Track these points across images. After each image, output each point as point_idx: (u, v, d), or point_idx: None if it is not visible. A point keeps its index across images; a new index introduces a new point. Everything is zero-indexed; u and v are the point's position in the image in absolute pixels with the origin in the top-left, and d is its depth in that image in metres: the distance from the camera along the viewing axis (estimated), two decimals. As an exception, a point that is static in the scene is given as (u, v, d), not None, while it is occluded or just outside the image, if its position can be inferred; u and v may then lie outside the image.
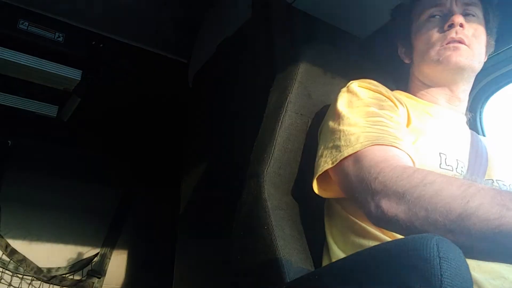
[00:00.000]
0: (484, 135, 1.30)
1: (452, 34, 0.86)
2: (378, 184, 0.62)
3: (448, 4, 0.91)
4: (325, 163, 0.74)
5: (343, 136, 0.73)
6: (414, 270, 0.43)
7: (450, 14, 0.89)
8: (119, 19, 1.88)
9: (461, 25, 0.87)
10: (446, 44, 0.86)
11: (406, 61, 0.99)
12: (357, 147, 0.69)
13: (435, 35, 0.89)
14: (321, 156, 0.76)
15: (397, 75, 1.03)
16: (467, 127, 0.95)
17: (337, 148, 0.73)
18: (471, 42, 0.87)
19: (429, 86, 0.93)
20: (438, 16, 0.91)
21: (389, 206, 0.60)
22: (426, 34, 0.90)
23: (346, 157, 0.70)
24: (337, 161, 0.71)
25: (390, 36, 1.05)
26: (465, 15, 0.90)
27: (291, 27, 1.37)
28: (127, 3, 1.84)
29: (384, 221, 0.62)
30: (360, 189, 0.66)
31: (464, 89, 0.93)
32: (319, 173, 0.75)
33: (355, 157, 0.69)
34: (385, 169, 0.63)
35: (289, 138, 0.89)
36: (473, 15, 0.91)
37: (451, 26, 0.87)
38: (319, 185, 0.77)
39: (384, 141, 0.69)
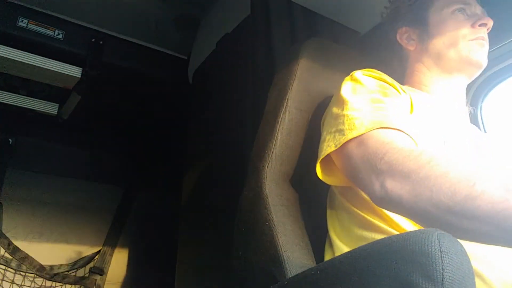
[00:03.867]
0: (484, 130, 1.30)
1: (482, 32, 0.89)
2: (384, 164, 0.62)
3: (473, 7, 0.93)
4: (327, 147, 0.73)
5: (346, 121, 0.73)
6: (416, 264, 0.43)
7: (474, 14, 0.92)
8: (119, 16, 1.88)
9: (488, 29, 0.91)
10: (476, 39, 0.89)
11: (410, 47, 0.97)
12: (361, 130, 0.69)
13: (466, 29, 0.90)
14: (324, 141, 0.76)
15: (397, 69, 1.02)
16: (468, 121, 0.95)
17: (341, 131, 0.73)
18: (488, 44, 0.91)
19: (435, 75, 0.93)
20: (463, 13, 0.92)
21: (393, 186, 0.60)
22: (454, 25, 0.91)
23: (349, 140, 0.70)
24: (340, 144, 0.71)
25: (392, 19, 1.02)
26: None
27: (291, 22, 1.37)
28: (126, 0, 1.84)
29: (387, 201, 0.62)
30: (364, 170, 0.65)
31: (467, 83, 0.94)
32: (322, 157, 0.74)
33: (360, 140, 0.69)
34: (392, 150, 0.63)
35: (289, 134, 0.89)
36: None
37: (483, 25, 0.89)
38: (322, 171, 0.77)
39: (389, 124, 0.69)
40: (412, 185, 0.57)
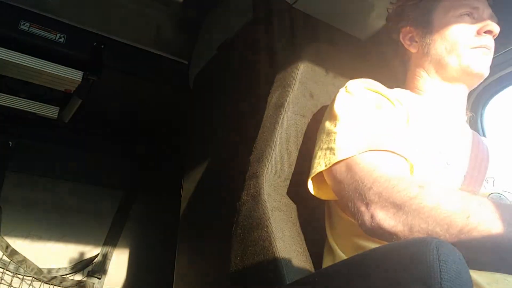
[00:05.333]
0: (485, 136, 1.29)
1: (487, 40, 0.86)
2: (373, 195, 0.61)
3: (481, 10, 0.89)
4: (318, 164, 0.73)
5: (337, 139, 0.72)
6: (414, 273, 0.43)
7: (481, 19, 0.88)
8: (121, 21, 1.89)
9: (494, 35, 0.87)
10: (480, 47, 0.86)
11: (412, 49, 0.94)
12: (350, 153, 0.68)
13: (470, 35, 0.86)
14: (316, 157, 0.76)
15: (398, 75, 1.02)
16: (468, 127, 0.94)
17: (331, 150, 0.72)
18: (492, 52, 0.88)
19: (434, 81, 0.91)
20: (469, 17, 0.89)
21: (385, 217, 0.59)
22: (458, 31, 0.87)
23: (339, 161, 0.69)
24: (330, 164, 0.70)
25: (395, 18, 0.99)
26: None
27: (292, 28, 1.37)
28: (128, 4, 1.85)
29: (380, 233, 0.61)
30: (353, 198, 0.64)
31: (467, 91, 0.92)
32: (313, 174, 0.74)
33: (348, 163, 0.68)
34: (379, 179, 0.62)
35: (288, 139, 0.89)
36: None
37: (489, 32, 0.86)
38: (316, 186, 0.76)
39: (379, 146, 0.68)
40: (406, 217, 0.57)
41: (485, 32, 0.86)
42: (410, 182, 0.59)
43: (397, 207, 0.58)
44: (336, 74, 1.03)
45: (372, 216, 0.60)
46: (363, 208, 0.62)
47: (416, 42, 0.94)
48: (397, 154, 0.68)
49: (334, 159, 0.70)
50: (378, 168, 0.64)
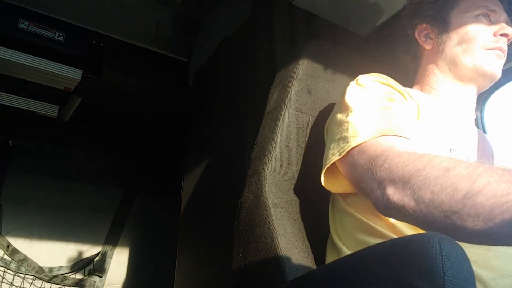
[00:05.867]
0: (485, 132, 1.29)
1: (502, 43, 0.87)
2: (384, 171, 0.61)
3: (498, 14, 0.90)
4: (332, 155, 0.73)
5: (350, 128, 0.72)
6: (417, 268, 0.43)
7: (497, 22, 0.88)
8: (120, 18, 1.88)
9: (509, 40, 0.88)
10: (495, 49, 0.86)
11: (426, 46, 0.94)
12: (364, 138, 0.69)
13: (486, 37, 0.87)
14: (329, 148, 0.76)
15: (398, 72, 1.02)
16: (474, 126, 0.94)
17: (345, 139, 0.72)
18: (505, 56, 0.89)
19: (447, 80, 0.91)
20: (486, 19, 0.89)
21: (394, 192, 0.59)
22: (475, 31, 0.87)
23: (353, 148, 0.69)
24: (345, 152, 0.70)
25: (412, 14, 0.99)
26: None
27: (292, 25, 1.37)
28: (127, 2, 1.84)
29: (390, 209, 0.60)
30: (366, 178, 0.65)
31: (478, 92, 0.92)
32: (328, 165, 0.74)
33: (362, 147, 0.68)
34: (391, 156, 0.62)
35: (289, 136, 0.89)
36: None
37: (505, 35, 0.87)
38: (326, 179, 0.76)
39: (392, 131, 0.69)
40: (413, 189, 0.56)
41: (501, 35, 0.87)
42: (420, 155, 0.59)
43: (405, 180, 0.58)
44: (336, 71, 1.03)
45: (383, 193, 0.60)
46: (375, 186, 0.62)
47: (431, 39, 0.94)
48: (409, 140, 0.69)
49: (349, 146, 0.70)
50: (391, 148, 0.65)
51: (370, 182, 0.64)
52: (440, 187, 0.54)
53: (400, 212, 0.59)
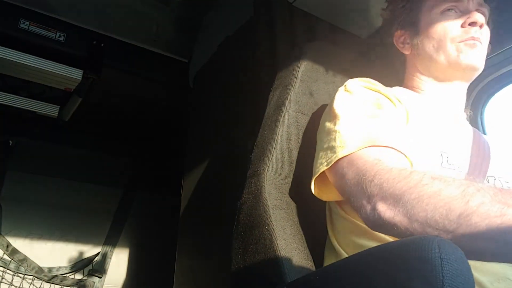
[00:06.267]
0: (485, 134, 1.29)
1: (473, 32, 0.84)
2: (374, 187, 0.60)
3: (465, 2, 0.88)
4: (320, 164, 0.73)
5: (338, 137, 0.72)
6: (415, 271, 0.43)
7: (466, 11, 0.87)
8: (120, 19, 1.89)
9: (481, 26, 0.85)
10: (466, 40, 0.84)
11: (405, 51, 0.95)
12: (351, 149, 0.68)
13: (455, 30, 0.85)
14: (318, 157, 0.76)
15: (398, 73, 1.02)
16: (468, 124, 0.94)
17: (332, 149, 0.72)
18: (484, 43, 0.86)
19: (430, 81, 0.91)
20: (454, 11, 0.87)
21: (386, 209, 0.58)
22: (443, 27, 0.86)
23: (340, 159, 0.69)
24: (332, 163, 0.70)
25: (388, 23, 1.00)
26: None
27: (292, 26, 1.37)
28: (128, 3, 1.84)
29: (381, 225, 0.60)
30: (356, 193, 0.64)
31: (466, 86, 0.91)
32: (316, 175, 0.74)
33: (350, 159, 0.68)
34: (381, 171, 0.62)
35: (290, 137, 0.89)
36: (484, 16, 0.88)
37: (473, 24, 0.85)
38: (317, 187, 0.76)
39: (380, 142, 0.68)
40: (405, 207, 0.56)
41: (469, 25, 0.85)
42: (410, 173, 0.59)
43: (397, 197, 0.57)
44: (336, 73, 1.02)
45: (373, 209, 0.60)
46: (365, 202, 0.62)
47: (408, 44, 0.94)
48: (398, 150, 0.68)
49: (336, 157, 0.69)
50: (379, 162, 0.64)
51: (360, 197, 0.63)
52: (433, 207, 0.54)
53: (392, 229, 0.59)
